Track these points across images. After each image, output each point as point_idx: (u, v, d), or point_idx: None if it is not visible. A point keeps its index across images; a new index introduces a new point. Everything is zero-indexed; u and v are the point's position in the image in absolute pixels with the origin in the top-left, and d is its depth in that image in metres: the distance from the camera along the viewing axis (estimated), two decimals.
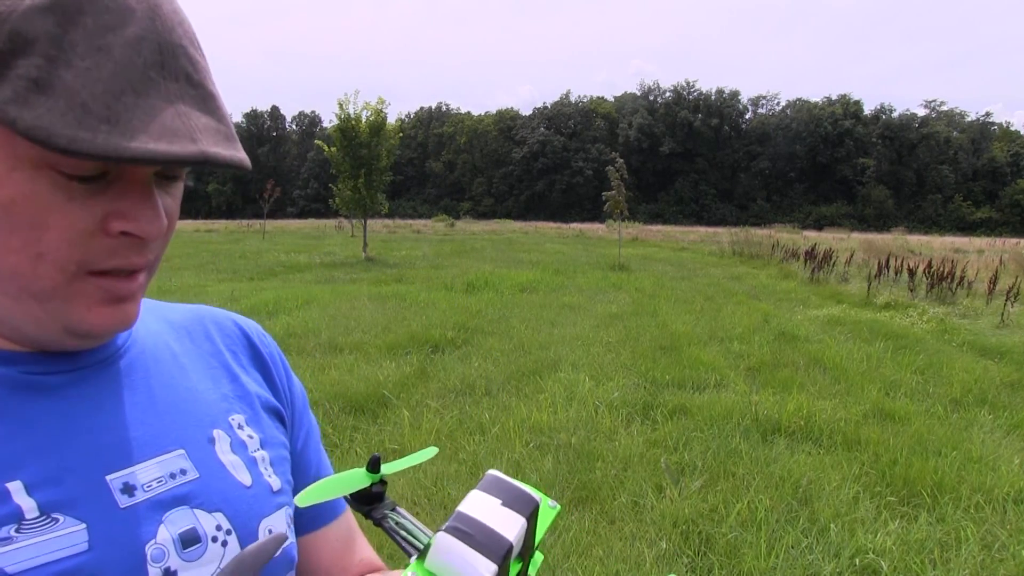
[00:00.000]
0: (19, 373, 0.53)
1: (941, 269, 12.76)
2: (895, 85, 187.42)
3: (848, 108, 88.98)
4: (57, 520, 0.49)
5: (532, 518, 0.48)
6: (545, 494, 0.54)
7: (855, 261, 17.44)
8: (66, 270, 0.49)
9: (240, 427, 0.65)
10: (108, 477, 0.53)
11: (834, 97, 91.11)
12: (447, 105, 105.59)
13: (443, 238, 34.71)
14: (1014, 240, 40.67)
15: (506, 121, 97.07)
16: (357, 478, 0.54)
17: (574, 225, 57.82)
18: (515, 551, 0.45)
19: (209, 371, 0.67)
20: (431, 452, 0.60)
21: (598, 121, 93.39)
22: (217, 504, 0.57)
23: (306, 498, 0.50)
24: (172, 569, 0.53)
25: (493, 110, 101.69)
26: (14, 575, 0.46)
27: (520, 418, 4.90)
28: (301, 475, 0.73)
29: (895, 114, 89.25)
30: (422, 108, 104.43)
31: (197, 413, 0.62)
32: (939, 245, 31.47)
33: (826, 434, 4.82)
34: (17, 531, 0.47)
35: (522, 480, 0.53)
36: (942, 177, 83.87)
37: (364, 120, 19.38)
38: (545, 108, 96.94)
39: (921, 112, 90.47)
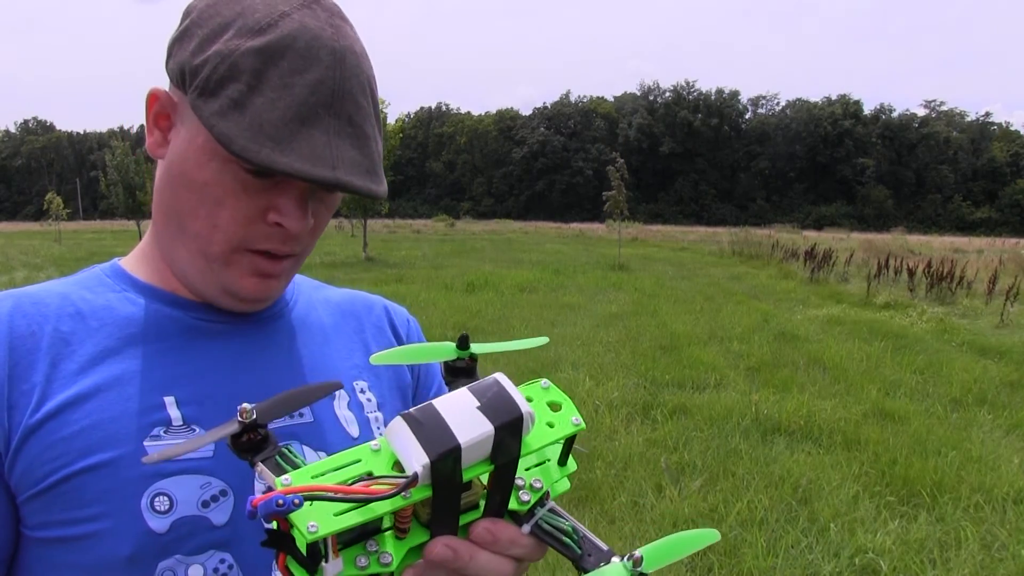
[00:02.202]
0: (190, 317, 0.69)
1: (941, 269, 12.76)
2: (895, 85, 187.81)
3: (848, 108, 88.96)
4: (194, 430, 0.63)
5: (508, 428, 0.45)
6: (578, 412, 0.50)
7: (855, 261, 17.44)
8: (231, 243, 0.64)
9: (362, 391, 0.75)
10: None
11: (834, 97, 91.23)
12: (447, 105, 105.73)
13: (443, 238, 34.71)
14: (1013, 240, 40.68)
15: (506, 121, 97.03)
16: (444, 350, 0.54)
17: (574, 225, 57.83)
18: (473, 455, 0.44)
19: (348, 344, 0.79)
20: (542, 340, 0.63)
21: (598, 121, 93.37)
22: (322, 445, 0.68)
23: (381, 358, 0.56)
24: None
25: (493, 110, 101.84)
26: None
27: None
28: None
29: (895, 114, 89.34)
30: (422, 108, 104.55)
31: (325, 373, 0.74)
32: (939, 245, 31.48)
33: (826, 434, 4.83)
34: (165, 432, 0.62)
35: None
36: (942, 177, 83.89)
37: None
38: (545, 108, 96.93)
39: (921, 112, 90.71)
